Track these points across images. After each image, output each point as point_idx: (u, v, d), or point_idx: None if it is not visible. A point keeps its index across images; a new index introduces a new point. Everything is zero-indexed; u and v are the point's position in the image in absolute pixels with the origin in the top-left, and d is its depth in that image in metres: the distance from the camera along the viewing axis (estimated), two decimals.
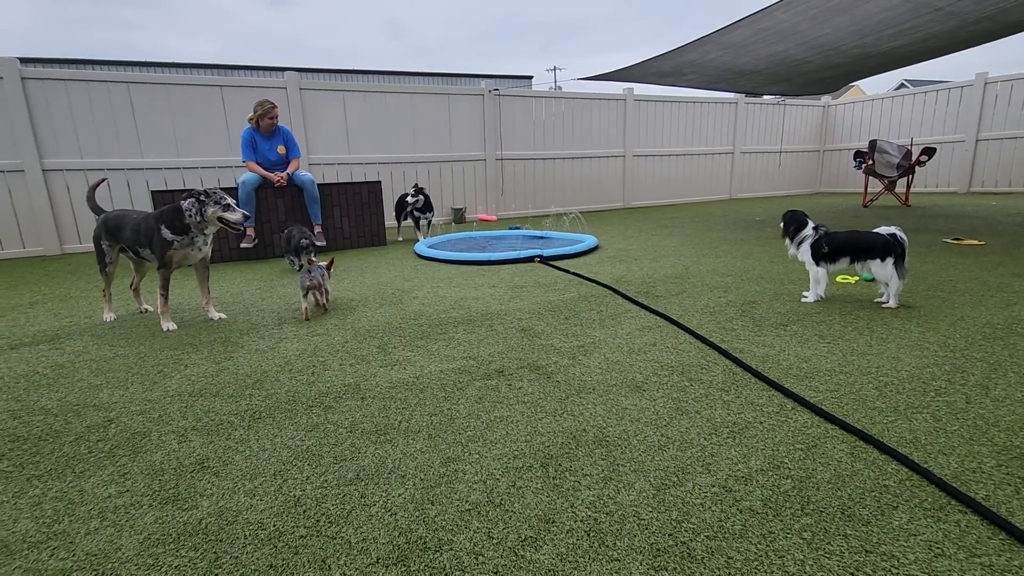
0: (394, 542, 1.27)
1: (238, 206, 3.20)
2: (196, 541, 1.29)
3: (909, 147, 8.42)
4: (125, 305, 3.63)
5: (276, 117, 5.34)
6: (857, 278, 3.60)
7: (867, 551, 1.18)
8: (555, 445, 1.68)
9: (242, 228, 3.13)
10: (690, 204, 10.69)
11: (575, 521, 1.32)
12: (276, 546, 1.26)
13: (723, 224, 7.14)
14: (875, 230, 2.97)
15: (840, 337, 2.54)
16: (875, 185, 8.78)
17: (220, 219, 3.06)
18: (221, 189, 3.13)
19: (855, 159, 8.51)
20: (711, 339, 2.58)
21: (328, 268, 3.44)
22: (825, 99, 12.38)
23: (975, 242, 4.78)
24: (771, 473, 1.48)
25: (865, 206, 8.55)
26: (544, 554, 1.21)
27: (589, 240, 5.57)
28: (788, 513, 1.31)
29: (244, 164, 5.46)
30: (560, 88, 10.26)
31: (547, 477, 1.51)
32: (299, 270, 3.82)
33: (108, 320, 3.30)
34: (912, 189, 8.64)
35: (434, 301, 3.56)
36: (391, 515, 1.37)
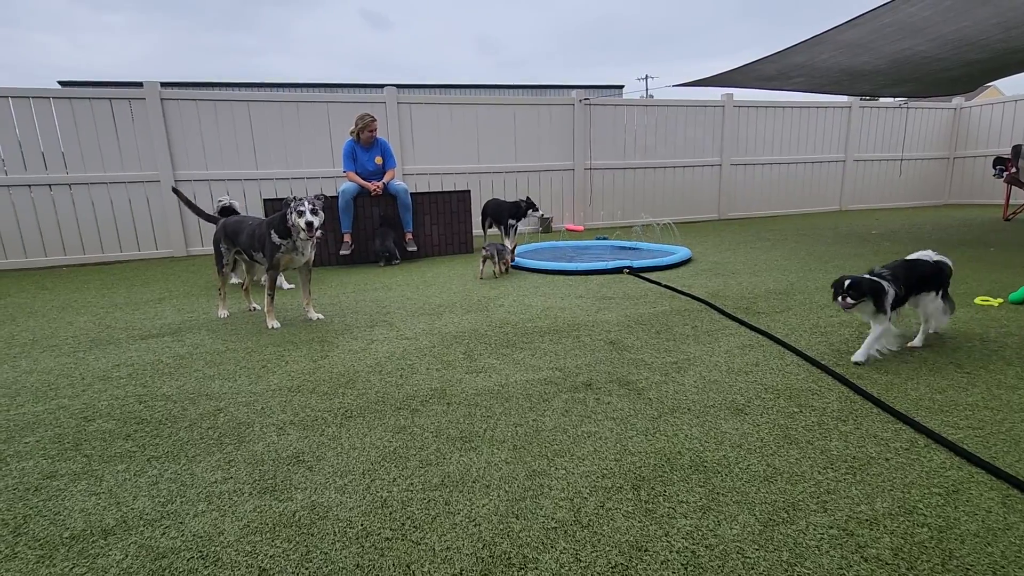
0: (477, 554, 1.23)
1: (337, 214, 3.33)
2: (290, 533, 1.33)
3: None
4: (237, 303, 3.94)
5: (375, 130, 5.61)
6: (1001, 300, 3.14)
7: None
8: (647, 467, 1.58)
9: (315, 233, 3.13)
10: (794, 216, 9.97)
11: (670, 552, 1.21)
12: (363, 545, 1.27)
13: (833, 237, 6.57)
14: (912, 256, 2.56)
15: (983, 367, 2.22)
16: (1019, 196, 7.70)
17: (294, 225, 3.11)
18: (316, 198, 3.19)
19: (995, 167, 7.54)
20: (823, 361, 2.34)
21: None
22: (956, 101, 11.11)
23: None
24: (902, 519, 1.29)
25: (1007, 219, 7.53)
26: None
27: (682, 252, 5.33)
28: (926, 568, 1.13)
29: (344, 174, 5.78)
30: (652, 96, 9.98)
31: (638, 500, 1.41)
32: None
33: (222, 316, 3.59)
34: None
35: (520, 310, 3.54)
36: (475, 525, 1.33)
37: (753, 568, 1.15)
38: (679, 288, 3.93)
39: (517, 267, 5.15)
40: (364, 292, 4.33)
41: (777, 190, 10.24)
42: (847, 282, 2.33)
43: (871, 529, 1.26)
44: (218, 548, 1.28)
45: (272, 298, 3.34)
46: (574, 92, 8.87)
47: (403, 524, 1.35)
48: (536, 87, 24.28)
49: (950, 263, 2.54)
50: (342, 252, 5.73)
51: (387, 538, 1.30)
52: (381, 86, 7.96)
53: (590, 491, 1.47)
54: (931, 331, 2.56)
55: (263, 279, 3.46)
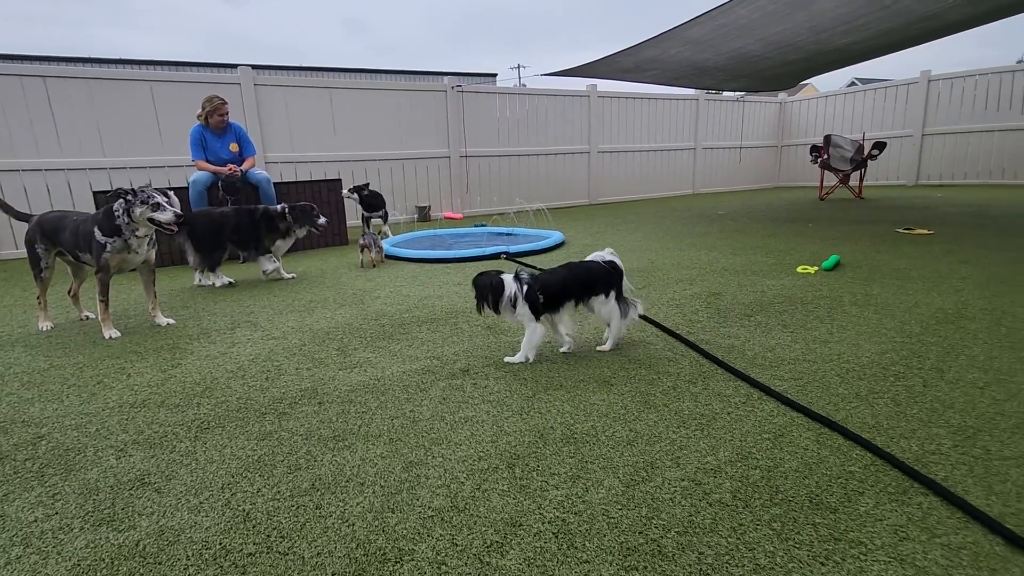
0: (351, 555, 1.19)
1: (179, 206, 3.02)
2: (132, 565, 1.18)
3: (861, 141, 8.70)
4: (64, 313, 3.41)
5: (226, 114, 5.12)
6: (816, 268, 3.67)
7: (835, 539, 1.16)
8: (522, 444, 1.63)
9: (176, 229, 2.94)
10: (655, 199, 10.81)
11: (543, 523, 1.27)
12: (222, 566, 1.17)
13: (687, 218, 7.23)
14: (590, 257, 2.45)
15: (803, 326, 2.57)
16: (831, 179, 9.05)
17: (150, 220, 2.87)
18: (159, 190, 2.93)
19: (811, 153, 8.75)
20: (677, 331, 2.57)
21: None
22: (782, 96, 12.70)
23: (925, 231, 4.96)
24: (740, 464, 1.46)
25: (822, 199, 8.80)
26: (511, 559, 1.15)
27: (555, 236, 5.54)
28: (758, 504, 1.29)
29: (193, 163, 5.22)
30: (524, 86, 10.21)
31: (514, 478, 1.45)
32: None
33: (44, 329, 3.09)
34: (864, 182, 8.93)
35: (397, 301, 3.46)
36: (348, 526, 1.29)
37: (617, 526, 1.24)
38: None
39: (394, 257, 5.03)
40: (225, 292, 3.96)
41: (639, 176, 11.02)
42: (477, 282, 2.31)
43: (715, 477, 1.41)
44: None
45: (107, 304, 2.93)
46: (446, 79, 8.78)
47: (268, 536, 1.26)
48: (408, 73, 23.70)
49: (620, 264, 2.41)
50: None
51: (250, 553, 1.21)
52: (234, 66, 7.26)
53: (467, 475, 1.48)
54: (616, 333, 2.39)
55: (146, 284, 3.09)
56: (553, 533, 1.23)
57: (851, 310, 2.76)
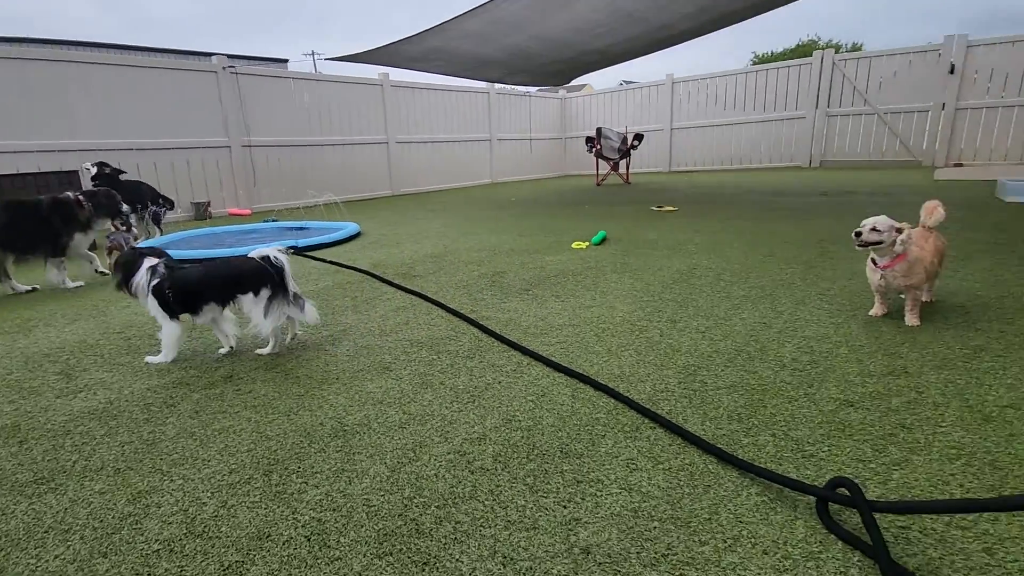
0: None
1: None
2: None
3: (625, 134, 9.94)
4: None
5: None
6: (587, 243, 4.07)
7: (579, 481, 1.27)
8: (284, 448, 1.48)
9: None
10: (456, 189, 11.02)
11: (295, 528, 1.16)
12: None
13: (483, 206, 7.49)
14: (253, 253, 2.16)
15: (572, 295, 2.81)
16: (605, 167, 10.20)
17: None
18: None
19: (586, 144, 9.74)
20: (461, 311, 2.61)
21: None
22: (561, 92, 13.91)
23: (671, 209, 5.85)
24: (504, 429, 1.52)
25: (598, 185, 9.86)
26: None
27: (350, 227, 5.30)
28: (516, 464, 1.35)
29: None
30: (321, 74, 9.55)
31: (269, 486, 1.31)
32: None
33: None
34: (632, 169, 10.24)
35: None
36: None
37: (377, 514, 1.19)
38: (343, 263, 3.88)
39: None
40: None
41: (441, 166, 11.12)
42: (118, 259, 2.18)
43: (480, 444, 1.45)
44: None
45: None
46: (214, 58, 7.76)
47: None
48: (177, 52, 20.56)
49: (282, 260, 2.13)
50: None
51: None
52: None
53: (211, 493, 1.29)
54: (273, 345, 2.19)
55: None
56: (306, 537, 1.13)
57: (611, 277, 3.11)
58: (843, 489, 1.10)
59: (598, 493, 1.22)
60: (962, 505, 0.92)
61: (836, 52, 10.36)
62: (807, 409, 1.54)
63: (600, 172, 10.14)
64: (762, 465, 1.29)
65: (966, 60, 8.95)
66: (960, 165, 8.98)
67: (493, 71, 8.11)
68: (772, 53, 32.45)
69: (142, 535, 1.16)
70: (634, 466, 1.32)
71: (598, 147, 9.47)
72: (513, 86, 11.22)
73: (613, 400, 1.65)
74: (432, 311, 2.68)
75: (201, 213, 7.52)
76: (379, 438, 1.51)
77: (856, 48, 27.70)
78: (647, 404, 1.61)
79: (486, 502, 1.21)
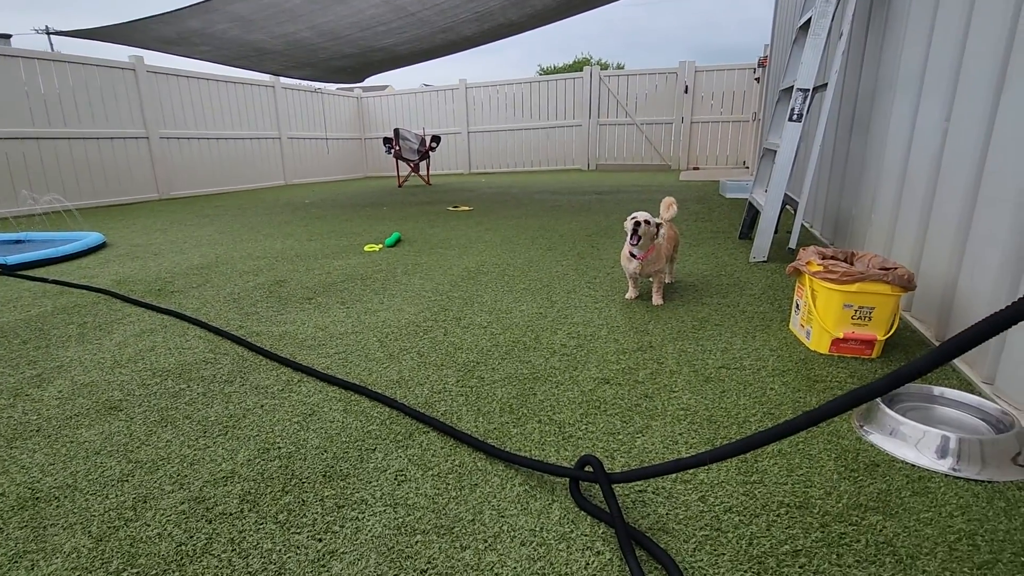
0: None
1: None
2: None
3: (423, 135, 9.96)
4: None
5: None
6: (380, 245, 3.92)
7: (339, 507, 1.15)
8: None
9: None
10: (243, 191, 9.88)
11: None
12: None
13: (272, 209, 6.82)
14: None
15: (359, 300, 2.66)
16: (405, 168, 10.09)
17: None
18: None
19: (385, 145, 9.51)
20: (226, 329, 2.28)
21: None
22: (357, 91, 13.39)
23: (466, 208, 6.00)
24: (258, 461, 1.33)
25: (400, 186, 9.71)
26: None
27: (91, 238, 4.35)
28: (267, 500, 1.18)
29: None
30: (59, 54, 7.63)
31: None
32: None
33: None
34: (433, 171, 10.30)
35: None
36: None
37: None
38: (73, 281, 3.15)
39: None
40: None
41: (222, 166, 9.87)
42: None
43: (225, 485, 1.24)
44: None
45: None
46: None
47: None
48: None
49: None
50: None
51: None
52: None
53: None
54: None
55: None
56: None
57: (402, 279, 3.02)
58: (589, 467, 1.17)
59: (359, 516, 1.12)
60: (681, 464, 1.03)
61: (603, 69, 11.73)
62: (570, 391, 1.64)
63: (401, 174, 10.00)
64: (528, 453, 1.32)
65: (695, 82, 10.87)
66: (697, 168, 10.88)
67: (273, 62, 7.40)
68: (555, 66, 35.69)
69: None
70: (403, 477, 1.25)
71: (397, 148, 9.31)
72: (300, 80, 10.42)
73: (388, 408, 1.56)
74: (189, 331, 2.30)
75: None
76: (86, 500, 1.20)
77: (620, 67, 31.82)
78: (423, 408, 1.55)
79: (223, 556, 1.02)
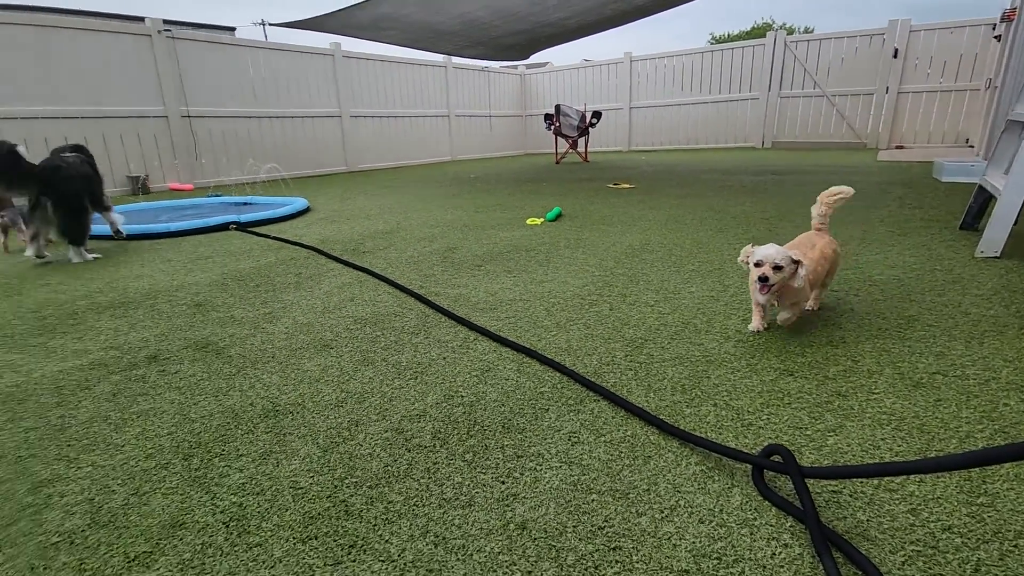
0: None
1: None
2: None
3: (584, 111, 9.88)
4: None
5: None
6: (542, 220, 4.02)
7: (519, 456, 1.23)
8: (208, 430, 1.39)
9: None
10: (415, 166, 10.77)
11: (213, 515, 1.08)
12: None
13: (440, 183, 7.34)
14: None
15: (524, 270, 2.76)
16: (563, 145, 10.14)
17: None
18: None
19: (545, 121, 9.64)
20: (409, 287, 2.53)
21: None
22: (521, 68, 13.69)
23: (628, 185, 5.86)
24: (445, 405, 1.47)
25: (557, 163, 9.80)
26: (159, 569, 0.95)
27: (298, 203, 5.08)
28: (455, 440, 1.30)
29: None
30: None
31: (188, 471, 1.22)
32: None
33: None
34: (591, 148, 10.21)
35: (74, 286, 2.75)
36: None
37: (304, 495, 1.12)
38: (289, 239, 3.72)
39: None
40: None
41: (399, 142, 10.83)
42: None
43: (419, 422, 1.39)
44: None
45: None
46: (147, 21, 7.25)
47: None
48: (103, 15, 19.13)
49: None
50: None
51: None
52: None
53: (122, 481, 1.19)
54: None
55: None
56: (223, 523, 1.05)
57: (565, 253, 3.07)
58: (777, 456, 1.10)
59: (537, 468, 1.19)
60: (889, 468, 0.92)
61: (788, 34, 10.54)
62: (749, 379, 1.55)
63: (559, 150, 10.08)
64: (703, 435, 1.28)
65: (907, 45, 9.26)
66: (901, 147, 9.35)
67: (448, 43, 7.87)
68: (729, 35, 32.87)
69: (40, 527, 1.06)
70: (576, 439, 1.29)
71: (557, 124, 9.39)
72: (471, 60, 10.95)
73: (559, 374, 1.62)
74: (379, 287, 2.59)
75: (138, 188, 7.09)
76: (313, 417, 1.43)
77: (808, 31, 28.34)
78: (593, 377, 1.58)
79: (421, 480, 1.16)
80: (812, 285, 1.85)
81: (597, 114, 9.44)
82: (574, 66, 13.13)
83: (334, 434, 1.35)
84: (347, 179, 8.39)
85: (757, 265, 1.70)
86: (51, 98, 6.42)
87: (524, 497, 1.09)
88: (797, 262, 1.68)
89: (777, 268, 1.66)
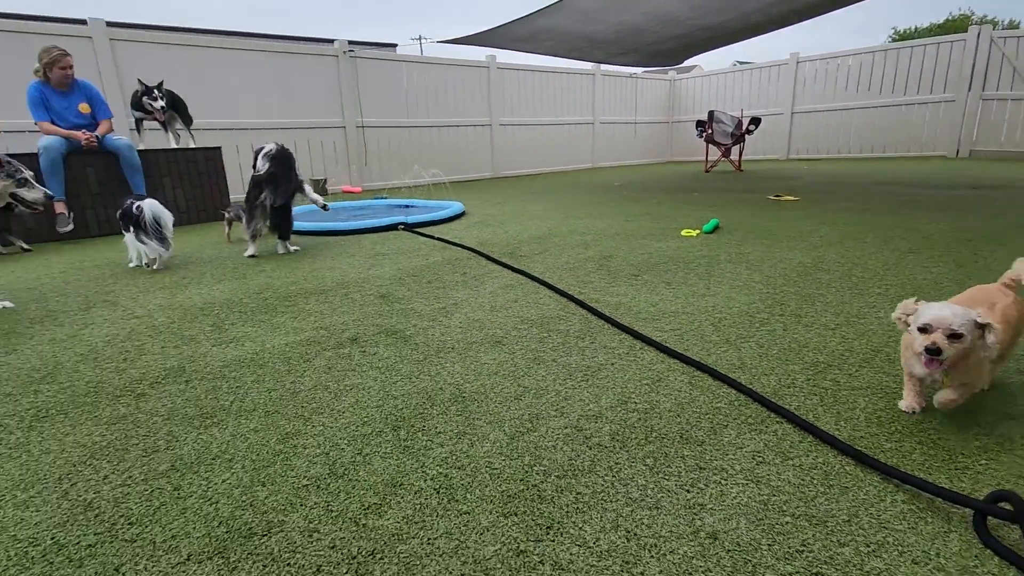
0: (212, 533, 1.09)
1: (41, 181, 2.67)
2: None
3: (740, 118, 9.36)
4: None
5: (70, 67, 4.47)
6: (698, 231, 3.90)
7: (701, 467, 1.24)
8: (408, 407, 1.58)
9: (41, 208, 2.60)
10: (556, 173, 11.00)
11: (424, 480, 1.23)
12: (52, 562, 1.03)
13: (585, 190, 7.42)
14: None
15: (683, 283, 2.72)
16: (715, 153, 9.69)
17: (13, 196, 2.52)
18: (13, 157, 2.58)
19: (697, 128, 9.28)
20: (569, 292, 2.62)
21: None
22: (671, 74, 13.32)
23: (792, 198, 5.45)
24: (619, 409, 1.52)
25: (707, 171, 9.39)
26: (388, 519, 1.11)
27: (455, 206, 5.47)
28: (634, 443, 1.35)
29: (37, 126, 4.53)
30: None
31: (397, 440, 1.41)
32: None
33: None
34: (744, 156, 9.63)
35: (282, 273, 3.25)
36: (211, 505, 1.18)
37: (499, 476, 1.24)
38: (451, 240, 4.02)
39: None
40: (80, 271, 3.51)
41: (541, 149, 11.14)
42: None
43: (596, 422, 1.45)
44: None
45: None
46: (336, 43, 8.27)
47: (113, 524, 1.12)
48: (297, 39, 22.08)
49: None
50: (61, 228, 4.52)
51: (89, 545, 1.07)
52: (82, 21, 6.34)
53: (348, 441, 1.41)
54: None
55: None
56: (435, 489, 1.20)
57: (726, 267, 2.96)
58: (1006, 503, 0.99)
59: (722, 482, 1.19)
60: None
61: (994, 28, 9.05)
62: (960, 418, 1.39)
63: (709, 158, 9.65)
64: (909, 472, 1.18)
65: None
66: None
67: (601, 51, 7.93)
68: (916, 29, 28.98)
69: (292, 471, 1.30)
70: (760, 459, 1.27)
71: (709, 131, 9.00)
72: (620, 67, 10.90)
73: (734, 391, 1.58)
74: (539, 291, 2.72)
75: (319, 189, 8.09)
76: (496, 407, 1.56)
77: (1013, 25, 24.03)
78: (772, 398, 1.53)
79: (605, 477, 1.22)
80: (998, 356, 1.36)
81: (756, 120, 8.89)
82: (727, 70, 12.48)
83: (517, 424, 1.46)
84: (493, 184, 8.81)
85: (923, 330, 1.27)
86: (262, 112, 7.58)
87: (711, 508, 1.11)
88: (984, 325, 1.24)
89: (954, 336, 1.23)
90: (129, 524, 1.13)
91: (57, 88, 4.47)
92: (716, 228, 3.97)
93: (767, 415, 1.46)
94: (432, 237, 4.21)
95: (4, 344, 2.20)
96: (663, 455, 1.29)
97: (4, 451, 1.42)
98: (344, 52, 8.21)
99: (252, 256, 3.77)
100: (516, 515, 1.11)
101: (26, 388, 1.79)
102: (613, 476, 1.22)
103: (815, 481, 1.18)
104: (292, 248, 3.91)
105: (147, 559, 1.03)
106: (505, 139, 10.46)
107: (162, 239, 3.40)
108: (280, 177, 3.63)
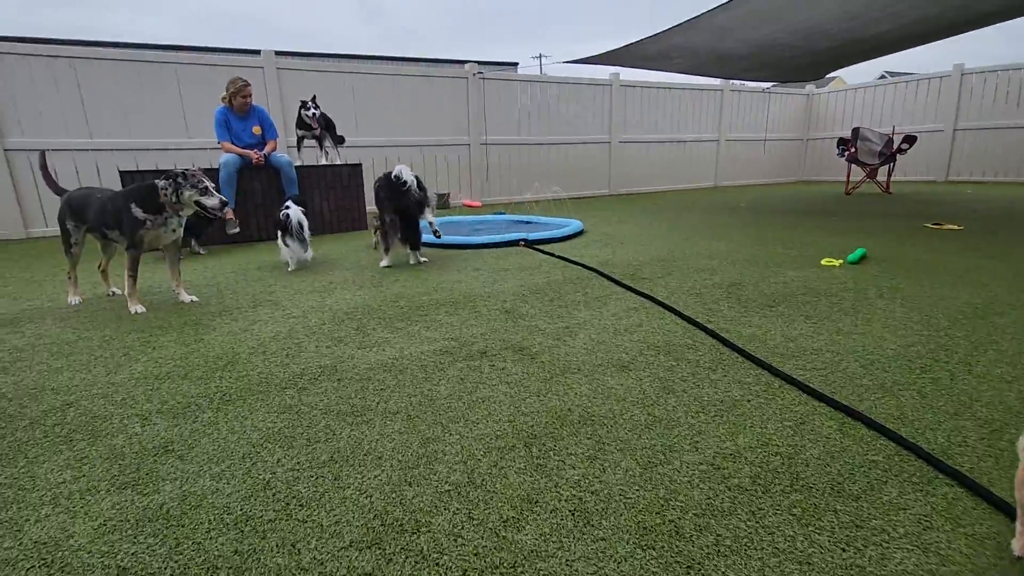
0: (369, 524, 1.20)
1: (218, 190, 3.13)
2: (156, 527, 1.21)
3: (891, 135, 8.48)
4: (93, 288, 3.49)
5: (250, 96, 5.16)
6: (841, 261, 3.59)
7: (857, 526, 1.15)
8: (539, 425, 1.63)
9: (218, 214, 3.04)
10: (675, 191, 10.68)
11: (559, 500, 1.27)
12: (242, 531, 1.19)
13: (709, 210, 7.13)
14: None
15: (826, 318, 2.52)
16: (857, 173, 8.84)
17: (197, 203, 2.98)
18: (201, 171, 3.06)
19: (838, 147, 8.55)
20: (697, 319, 2.54)
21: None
22: (809, 88, 12.42)
23: (954, 227, 4.83)
24: (759, 450, 1.45)
25: (848, 193, 8.61)
26: (527, 534, 1.16)
27: (574, 224, 5.51)
28: (777, 489, 1.28)
29: (219, 145, 5.28)
30: (545, 75, 10.16)
31: (530, 457, 1.46)
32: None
33: (73, 303, 3.16)
34: (892, 177, 8.70)
35: (415, 284, 3.48)
36: (366, 497, 1.30)
37: (634, 506, 1.24)
38: (571, 258, 4.07)
39: None
40: (248, 272, 4.02)
41: (661, 167, 10.88)
42: None
43: (734, 462, 1.40)
44: (67, 552, 1.14)
45: (135, 280, 2.99)
46: (467, 65, 8.74)
47: (287, 504, 1.28)
48: (428, 61, 23.63)
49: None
50: (230, 231, 5.25)
51: (270, 520, 1.23)
52: (256, 52, 7.31)
53: (484, 452, 1.48)
54: None
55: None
56: (570, 511, 1.23)
57: (876, 303, 2.70)
58: None
59: (884, 544, 1.09)
60: None
61: None
62: None
63: (852, 179, 8.84)
64: None
65: None
66: None
67: (733, 67, 7.62)
68: None
69: (435, 474, 1.39)
70: (928, 524, 1.14)
71: (852, 150, 8.26)
72: (751, 83, 10.38)
73: (894, 444, 1.44)
74: (664, 316, 2.66)
75: (443, 203, 8.56)
76: (626, 433, 1.56)
77: None
78: (940, 456, 1.37)
79: (748, 522, 1.17)
80: None
81: (911, 139, 7.99)
82: (874, 83, 11.37)
83: (650, 455, 1.45)
84: (610, 202, 8.75)
85: None
86: (398, 130, 8.20)
87: (872, 572, 1.02)
88: None
89: None
90: (300, 506, 1.28)
91: (238, 113, 5.19)
92: (863, 258, 3.63)
93: (934, 475, 1.31)
94: (553, 255, 4.28)
95: (194, 333, 2.59)
96: (811, 506, 1.21)
97: (199, 427, 1.67)
98: (474, 74, 8.65)
99: (387, 266, 4.08)
100: (654, 549, 1.10)
101: (212, 374, 2.09)
102: (756, 522, 1.17)
103: (988, 553, 1.05)
104: (421, 259, 4.18)
105: (316, 540, 1.16)
106: (623, 156, 10.37)
107: (302, 241, 3.97)
108: (386, 200, 3.96)
